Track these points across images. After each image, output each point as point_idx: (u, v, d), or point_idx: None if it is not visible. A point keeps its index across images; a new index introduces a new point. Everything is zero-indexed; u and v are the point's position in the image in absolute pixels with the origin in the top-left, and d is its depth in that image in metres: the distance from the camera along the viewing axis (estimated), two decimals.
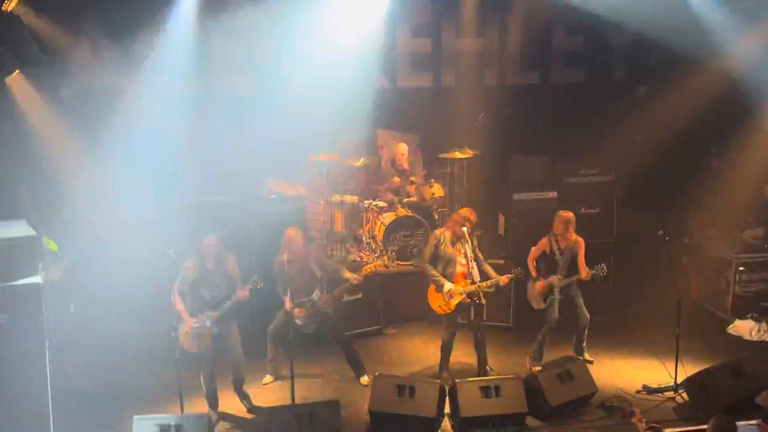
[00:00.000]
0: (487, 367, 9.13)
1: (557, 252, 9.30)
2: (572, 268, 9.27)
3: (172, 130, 11.06)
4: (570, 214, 9.34)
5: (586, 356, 9.50)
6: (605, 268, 9.18)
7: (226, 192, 10.74)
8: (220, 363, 8.50)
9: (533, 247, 9.45)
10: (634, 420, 7.41)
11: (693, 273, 11.17)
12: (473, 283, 8.77)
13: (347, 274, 9.02)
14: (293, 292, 8.61)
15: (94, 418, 8.46)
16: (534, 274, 9.38)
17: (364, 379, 9.10)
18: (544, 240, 9.37)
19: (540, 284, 9.31)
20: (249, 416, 8.49)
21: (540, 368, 8.97)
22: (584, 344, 9.54)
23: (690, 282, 11.13)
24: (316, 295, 8.83)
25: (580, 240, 9.32)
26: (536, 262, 9.41)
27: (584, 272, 9.18)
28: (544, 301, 9.32)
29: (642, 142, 11.98)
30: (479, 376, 8.75)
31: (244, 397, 8.63)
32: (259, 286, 8.35)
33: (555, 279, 9.27)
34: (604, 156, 11.67)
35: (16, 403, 6.84)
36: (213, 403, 8.40)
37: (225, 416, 8.47)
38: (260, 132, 11.67)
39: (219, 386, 8.50)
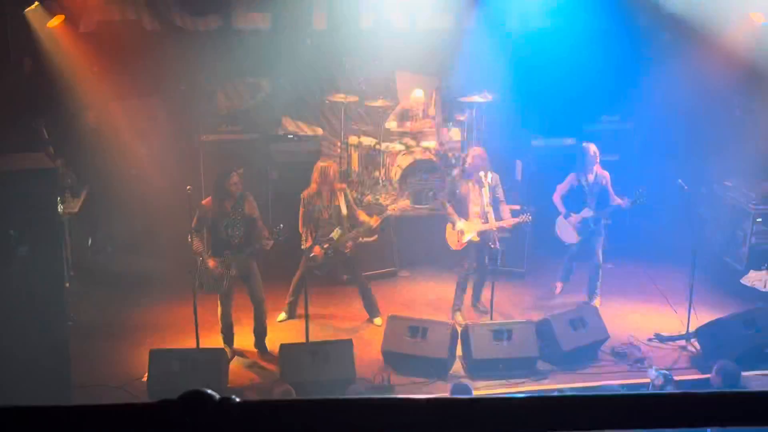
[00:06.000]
0: (478, 304, 9.37)
1: (586, 186, 9.32)
2: (601, 201, 9.32)
3: (191, 65, 11.02)
4: (594, 146, 9.33)
5: (597, 301, 9.53)
6: (643, 192, 9.22)
7: (242, 130, 10.72)
8: (239, 303, 8.59)
9: (559, 185, 9.46)
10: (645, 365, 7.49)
11: (710, 223, 11.12)
12: (486, 222, 8.84)
13: (364, 217, 9.01)
14: (318, 227, 8.66)
15: (112, 350, 8.60)
16: (563, 210, 9.40)
17: (378, 321, 9.18)
18: (571, 176, 9.39)
19: (574, 218, 9.35)
20: (262, 353, 8.59)
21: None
22: (597, 287, 9.58)
23: (706, 232, 11.09)
24: (336, 233, 8.83)
25: (606, 173, 9.36)
26: (563, 199, 9.45)
27: (624, 201, 9.23)
28: (578, 233, 9.37)
29: (664, 90, 11.82)
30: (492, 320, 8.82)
31: (263, 350, 8.60)
32: (282, 238, 8.24)
33: (588, 211, 9.31)
34: (625, 103, 11.54)
35: (35, 335, 6.93)
36: (228, 339, 8.49)
37: (239, 353, 8.59)
38: (279, 70, 11.63)
39: (235, 323, 8.60)
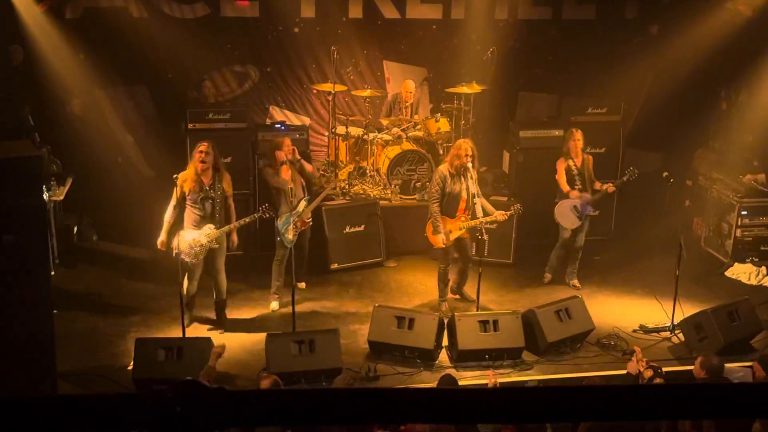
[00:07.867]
0: (464, 294, 9.43)
1: (575, 169, 9.52)
2: (588, 185, 9.56)
3: (179, 53, 10.96)
4: (580, 131, 9.59)
5: (575, 282, 9.69)
6: (635, 170, 9.44)
7: (230, 118, 10.68)
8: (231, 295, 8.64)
9: (559, 165, 9.58)
10: (634, 358, 7.51)
11: (695, 215, 11.19)
12: (473, 218, 8.82)
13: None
14: (292, 201, 8.83)
15: (97, 339, 8.57)
16: (566, 188, 9.50)
17: (301, 285, 9.39)
18: (560, 160, 9.59)
19: (575, 202, 9.49)
20: (250, 343, 8.59)
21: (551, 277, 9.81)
22: (576, 268, 9.74)
23: (691, 224, 11.15)
24: (301, 206, 8.92)
25: (589, 156, 9.59)
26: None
27: (609, 185, 9.49)
28: (579, 218, 9.50)
29: (651, 83, 11.87)
30: (478, 309, 8.84)
31: (221, 319, 8.77)
32: (267, 216, 8.50)
33: (585, 196, 9.49)
34: (613, 95, 11.56)
35: (19, 322, 6.90)
36: (191, 306, 8.60)
37: (225, 340, 8.57)
38: (265, 58, 11.60)
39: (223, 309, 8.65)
